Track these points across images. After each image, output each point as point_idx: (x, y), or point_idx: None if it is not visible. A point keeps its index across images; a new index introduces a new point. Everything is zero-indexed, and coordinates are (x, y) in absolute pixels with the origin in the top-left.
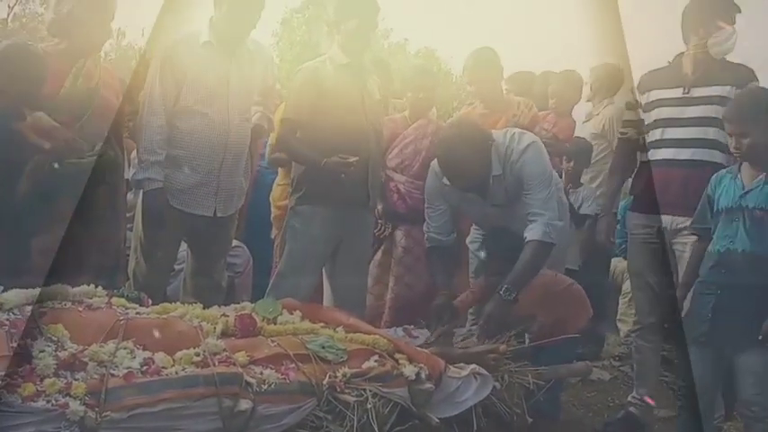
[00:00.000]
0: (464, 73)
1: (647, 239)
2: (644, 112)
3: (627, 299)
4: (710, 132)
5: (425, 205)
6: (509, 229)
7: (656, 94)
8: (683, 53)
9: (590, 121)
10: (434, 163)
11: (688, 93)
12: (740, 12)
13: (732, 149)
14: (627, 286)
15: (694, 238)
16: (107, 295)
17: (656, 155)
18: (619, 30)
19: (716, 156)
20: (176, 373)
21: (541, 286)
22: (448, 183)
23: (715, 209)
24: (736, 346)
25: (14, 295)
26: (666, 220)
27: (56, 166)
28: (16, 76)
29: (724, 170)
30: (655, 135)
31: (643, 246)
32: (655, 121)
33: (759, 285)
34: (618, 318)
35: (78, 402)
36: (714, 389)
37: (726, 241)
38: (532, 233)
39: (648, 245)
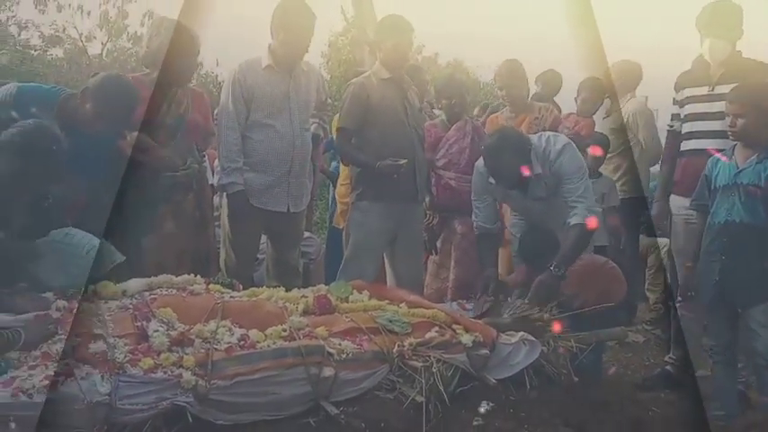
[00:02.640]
0: (495, 80)
1: (688, 219)
2: (679, 107)
3: (653, 270)
4: None
5: (473, 198)
6: (543, 228)
7: (688, 92)
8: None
9: (610, 116)
10: (479, 163)
11: (713, 90)
12: (736, 29)
13: (728, 127)
14: (651, 260)
15: None
16: (205, 283)
17: (688, 145)
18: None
19: None
20: (268, 346)
21: (581, 269)
22: (493, 182)
23: (713, 187)
24: (746, 304)
25: (134, 283)
26: None
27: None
28: (111, 102)
29: (719, 153)
30: (686, 128)
31: (685, 225)
32: (686, 115)
33: (756, 249)
34: (646, 288)
35: (190, 373)
36: (731, 345)
37: (725, 214)
38: (576, 218)
39: (689, 224)
